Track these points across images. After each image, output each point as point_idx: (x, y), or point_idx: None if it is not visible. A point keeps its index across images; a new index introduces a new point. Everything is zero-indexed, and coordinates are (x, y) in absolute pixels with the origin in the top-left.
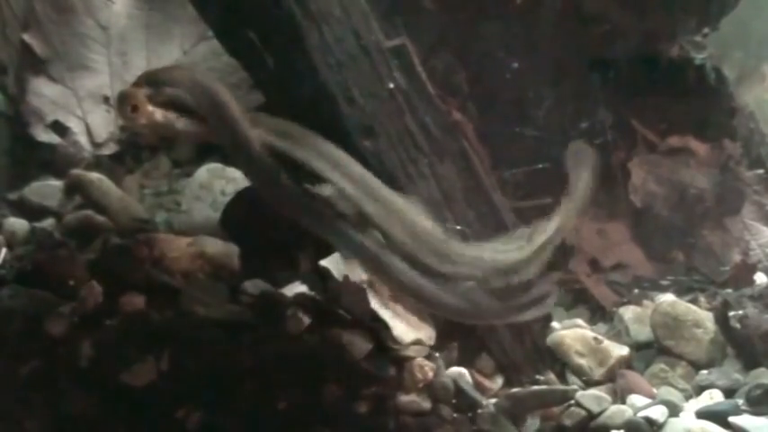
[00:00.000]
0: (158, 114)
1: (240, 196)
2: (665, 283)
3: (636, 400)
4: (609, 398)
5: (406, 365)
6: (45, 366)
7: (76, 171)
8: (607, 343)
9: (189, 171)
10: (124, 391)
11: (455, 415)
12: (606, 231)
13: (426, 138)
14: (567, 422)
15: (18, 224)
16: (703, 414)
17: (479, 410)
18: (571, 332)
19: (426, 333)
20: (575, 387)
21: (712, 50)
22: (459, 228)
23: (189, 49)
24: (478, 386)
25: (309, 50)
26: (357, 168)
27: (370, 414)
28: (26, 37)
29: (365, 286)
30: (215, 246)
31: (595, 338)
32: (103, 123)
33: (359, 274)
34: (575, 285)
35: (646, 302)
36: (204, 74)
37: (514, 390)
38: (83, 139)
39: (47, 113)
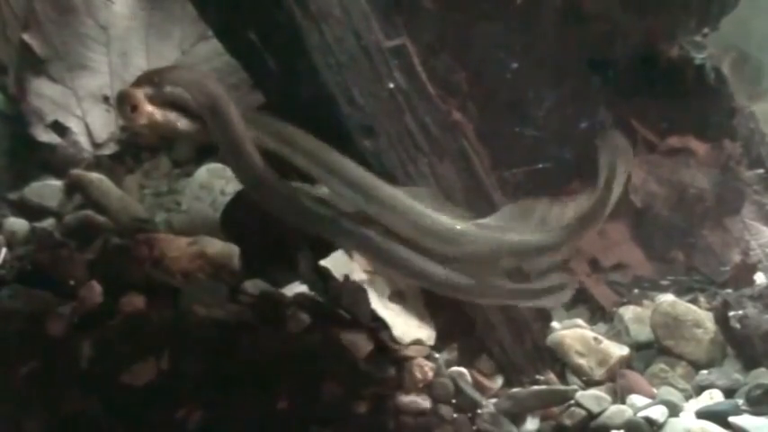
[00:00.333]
0: (158, 114)
1: (240, 196)
2: (665, 283)
3: (636, 400)
4: (609, 398)
5: (406, 365)
6: (45, 366)
7: (76, 171)
8: (607, 343)
9: (189, 171)
10: (124, 391)
11: (455, 415)
12: (606, 231)
13: (426, 138)
14: (567, 422)
15: (18, 224)
16: (703, 414)
17: (479, 410)
18: (571, 332)
19: (426, 333)
20: (575, 387)
21: (712, 50)
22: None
23: (189, 49)
24: (478, 386)
25: (309, 51)
26: (355, 171)
27: (370, 414)
28: (26, 37)
29: (365, 286)
30: (215, 246)
31: (595, 338)
32: (103, 123)
33: (359, 274)
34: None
35: (646, 302)
36: (203, 74)
37: (514, 390)
38: (83, 139)
39: (47, 113)
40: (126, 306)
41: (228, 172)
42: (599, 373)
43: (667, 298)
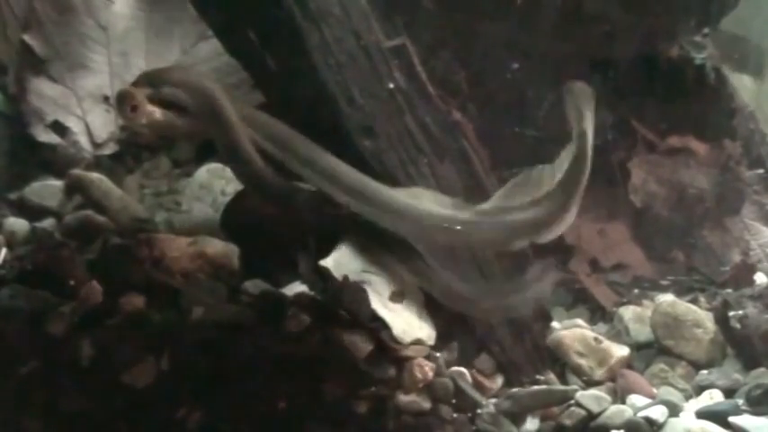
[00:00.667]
0: (158, 114)
1: (240, 196)
2: (665, 283)
3: (636, 400)
4: (609, 398)
5: (406, 365)
6: (45, 366)
7: (76, 171)
8: (607, 343)
9: (189, 171)
10: (124, 391)
11: (455, 415)
12: (606, 231)
13: (426, 138)
14: (567, 422)
15: (18, 224)
16: (703, 414)
17: (479, 410)
18: (571, 332)
19: (426, 333)
20: (575, 387)
21: (712, 50)
22: None
23: (189, 49)
24: (478, 386)
25: (309, 50)
26: (351, 175)
27: (370, 414)
28: (26, 37)
29: (365, 286)
30: (215, 246)
31: (595, 338)
32: (103, 123)
33: (359, 274)
34: (575, 285)
35: (646, 302)
36: (203, 74)
37: (514, 390)
38: (83, 139)
39: (47, 113)
40: (126, 306)
41: (228, 172)
42: (599, 373)
43: (667, 298)
